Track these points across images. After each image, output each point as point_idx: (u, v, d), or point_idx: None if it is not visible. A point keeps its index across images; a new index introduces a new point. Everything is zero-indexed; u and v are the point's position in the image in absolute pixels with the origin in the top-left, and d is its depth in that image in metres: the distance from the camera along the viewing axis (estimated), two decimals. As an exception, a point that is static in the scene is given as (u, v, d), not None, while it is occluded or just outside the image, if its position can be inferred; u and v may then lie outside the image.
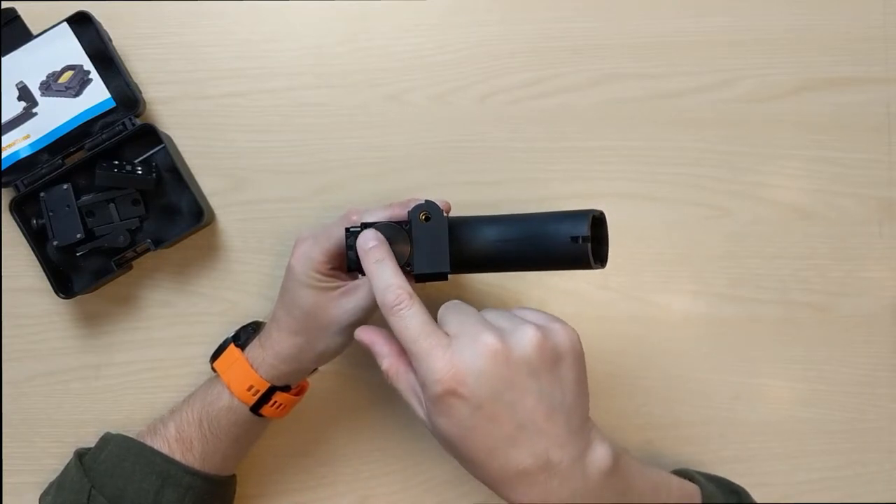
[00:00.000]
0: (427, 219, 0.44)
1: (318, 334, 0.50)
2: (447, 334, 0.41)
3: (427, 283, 0.47)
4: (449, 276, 0.46)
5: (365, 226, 0.45)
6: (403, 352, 0.43)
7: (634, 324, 0.61)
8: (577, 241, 0.44)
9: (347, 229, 0.46)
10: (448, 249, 0.45)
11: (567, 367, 0.41)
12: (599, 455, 0.41)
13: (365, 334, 0.45)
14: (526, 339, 0.40)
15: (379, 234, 0.45)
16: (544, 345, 0.40)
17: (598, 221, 0.46)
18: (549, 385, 0.40)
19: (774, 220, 0.62)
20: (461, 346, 0.39)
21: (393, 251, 0.44)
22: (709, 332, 0.62)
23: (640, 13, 0.62)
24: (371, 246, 0.44)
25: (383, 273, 0.43)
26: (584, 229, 0.44)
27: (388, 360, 0.44)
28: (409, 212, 0.44)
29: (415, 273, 0.44)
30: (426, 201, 0.45)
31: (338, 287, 0.50)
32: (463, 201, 0.61)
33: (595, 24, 0.62)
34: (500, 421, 0.39)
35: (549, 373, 0.40)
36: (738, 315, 0.62)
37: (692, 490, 0.48)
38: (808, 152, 0.62)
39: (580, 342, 0.42)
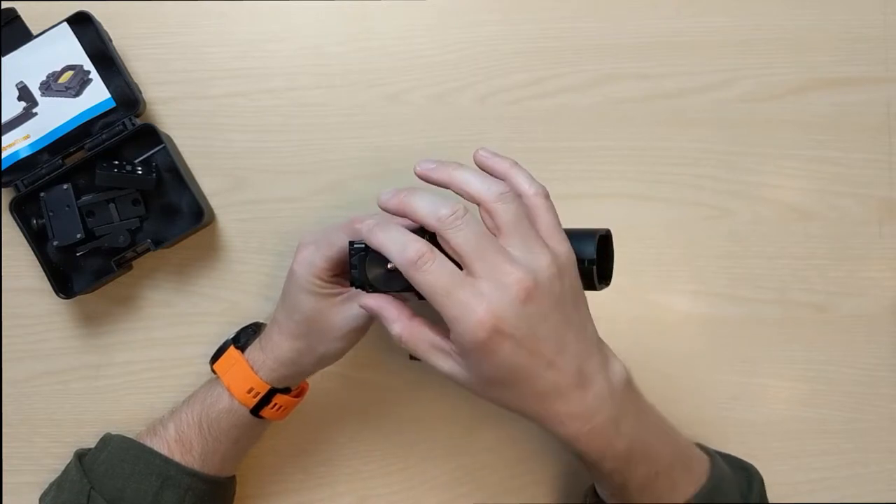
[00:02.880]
0: (432, 238, 0.44)
1: (318, 339, 0.50)
2: (472, 275, 0.40)
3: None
4: None
5: (369, 248, 0.44)
6: (413, 313, 0.43)
7: (634, 324, 0.61)
8: (583, 264, 0.44)
9: (352, 244, 0.45)
10: None
11: (569, 280, 0.42)
12: (618, 366, 0.44)
13: (372, 301, 0.44)
14: (545, 267, 0.40)
15: (374, 218, 0.45)
16: (556, 268, 0.41)
17: (604, 240, 0.46)
18: (568, 305, 0.42)
19: (774, 220, 0.62)
20: (494, 290, 0.39)
21: (396, 271, 0.43)
22: (709, 332, 0.62)
23: (640, 13, 0.62)
24: (372, 224, 0.43)
25: (393, 234, 0.41)
26: (591, 252, 0.44)
27: (399, 323, 0.43)
28: (415, 230, 0.44)
29: (418, 294, 0.44)
30: None
31: (339, 293, 0.50)
32: (463, 201, 0.61)
33: (595, 24, 0.62)
34: (540, 351, 0.40)
35: (565, 293, 0.41)
36: (738, 315, 0.62)
37: (700, 453, 0.49)
38: (808, 152, 0.62)
39: (570, 248, 0.43)
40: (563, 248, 0.42)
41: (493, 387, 0.42)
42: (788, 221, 0.62)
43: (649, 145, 0.62)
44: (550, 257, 0.41)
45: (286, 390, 0.53)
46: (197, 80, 0.62)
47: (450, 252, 0.40)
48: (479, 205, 0.42)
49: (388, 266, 0.43)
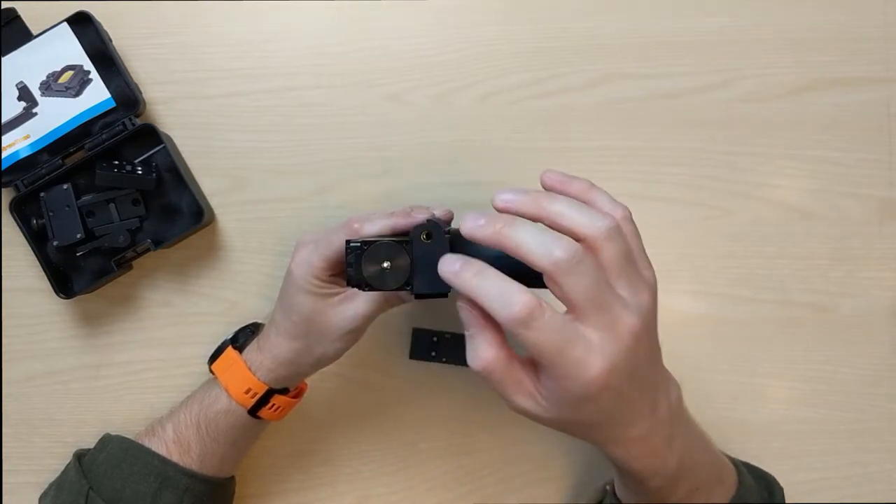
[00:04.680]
0: (429, 237, 0.43)
1: (316, 340, 0.50)
2: (581, 324, 0.36)
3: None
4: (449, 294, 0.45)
5: (366, 243, 0.44)
6: (504, 340, 0.38)
7: (634, 324, 0.61)
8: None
9: (348, 243, 0.45)
10: None
11: (656, 308, 0.40)
12: (674, 386, 0.42)
13: (468, 313, 0.38)
14: (647, 305, 0.38)
15: (458, 257, 0.39)
16: (655, 302, 0.39)
17: None
18: (655, 335, 0.40)
19: (774, 220, 0.62)
20: (605, 342, 0.36)
21: (392, 268, 0.43)
22: (709, 332, 0.62)
23: (640, 13, 0.62)
24: (458, 266, 0.38)
25: (489, 283, 0.36)
26: None
27: (491, 351, 0.38)
28: (411, 230, 0.44)
29: (414, 293, 0.44)
30: (428, 220, 0.44)
31: (337, 293, 0.50)
32: (463, 201, 0.61)
33: (595, 24, 0.62)
34: (636, 395, 0.39)
35: (656, 328, 0.40)
36: (738, 315, 0.62)
37: (729, 464, 0.49)
38: (809, 152, 0.62)
39: (654, 271, 0.41)
40: (652, 274, 0.40)
41: (575, 426, 0.40)
42: (788, 221, 0.62)
43: (649, 145, 0.62)
44: (650, 293, 0.38)
45: (284, 391, 0.53)
46: (197, 80, 0.62)
47: (558, 296, 0.36)
48: (580, 240, 0.37)
49: (384, 265, 0.43)
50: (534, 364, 0.39)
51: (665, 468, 0.42)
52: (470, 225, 0.37)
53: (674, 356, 0.61)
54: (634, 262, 0.39)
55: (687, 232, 0.62)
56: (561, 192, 0.40)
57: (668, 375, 0.43)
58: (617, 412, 0.38)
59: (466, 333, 0.39)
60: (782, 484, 0.52)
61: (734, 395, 0.61)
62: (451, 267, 0.38)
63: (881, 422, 0.61)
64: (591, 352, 0.36)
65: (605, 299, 0.36)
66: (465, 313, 0.38)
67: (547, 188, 0.41)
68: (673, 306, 0.61)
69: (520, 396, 0.39)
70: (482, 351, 0.38)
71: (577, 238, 0.37)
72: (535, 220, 0.38)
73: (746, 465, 0.52)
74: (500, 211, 0.38)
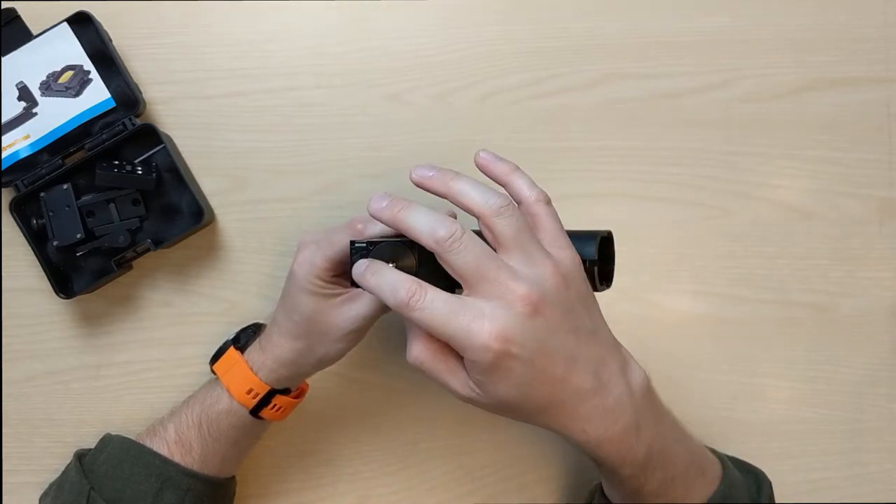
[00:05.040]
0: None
1: (318, 340, 0.50)
2: (471, 297, 0.39)
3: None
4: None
5: (370, 243, 0.44)
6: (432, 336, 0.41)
7: (634, 324, 0.61)
8: (584, 265, 0.43)
9: (353, 244, 0.45)
10: None
11: (576, 286, 0.41)
12: (637, 371, 0.43)
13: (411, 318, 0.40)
14: (549, 277, 0.40)
15: (365, 261, 0.43)
16: (561, 276, 0.40)
17: (605, 241, 0.46)
18: (577, 313, 0.41)
19: (774, 220, 0.62)
20: (496, 308, 0.38)
21: (397, 268, 0.44)
22: (709, 332, 0.62)
23: (640, 13, 0.62)
24: (363, 268, 0.42)
25: (382, 278, 0.41)
26: (592, 253, 0.44)
27: (418, 345, 0.41)
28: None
29: None
30: None
31: (339, 294, 0.50)
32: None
33: (595, 24, 0.62)
34: (552, 366, 0.39)
35: (573, 300, 0.41)
36: (738, 315, 0.62)
37: (713, 457, 0.49)
38: (809, 152, 0.62)
39: (575, 252, 0.42)
40: (567, 254, 0.42)
41: (511, 407, 0.41)
42: (788, 221, 0.62)
43: (649, 145, 0.62)
44: (553, 266, 0.40)
45: (286, 391, 0.53)
46: (197, 80, 0.62)
47: (451, 273, 0.40)
48: (477, 218, 0.41)
49: (389, 264, 0.43)
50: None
51: (632, 455, 0.42)
52: (374, 206, 0.42)
53: (674, 356, 0.61)
54: (531, 239, 0.41)
55: (687, 232, 0.62)
56: (487, 172, 0.45)
57: (628, 358, 0.44)
58: (543, 385, 0.39)
59: (408, 335, 0.42)
60: (782, 484, 0.52)
61: (734, 395, 0.61)
62: (358, 270, 0.42)
63: (881, 422, 0.61)
64: (478, 318, 0.38)
65: (490, 270, 0.39)
66: (410, 319, 0.41)
67: (478, 166, 0.45)
68: (673, 306, 0.62)
69: (455, 383, 0.41)
70: (412, 345, 0.41)
71: (473, 215, 0.41)
72: (441, 195, 0.42)
73: (734, 459, 0.52)
74: (414, 183, 0.43)
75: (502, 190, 0.42)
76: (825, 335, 0.61)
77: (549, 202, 0.43)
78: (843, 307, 0.62)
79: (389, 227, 0.42)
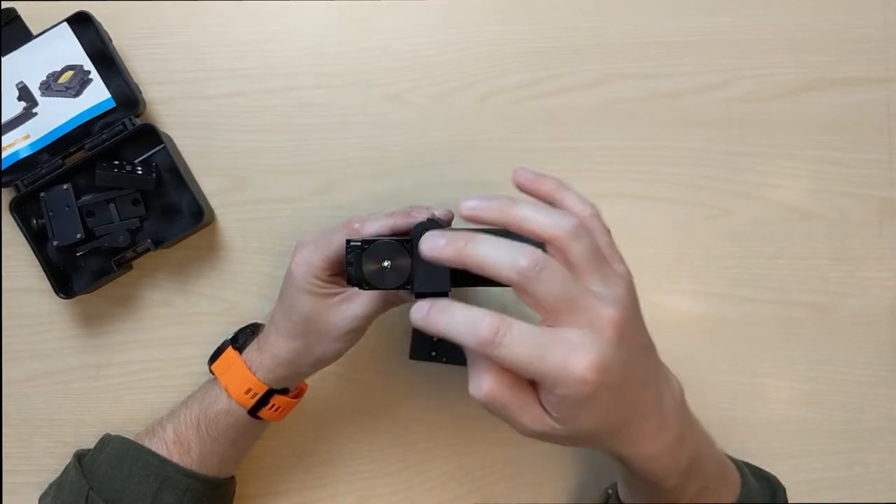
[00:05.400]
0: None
1: (316, 340, 0.50)
2: (557, 327, 0.36)
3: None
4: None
5: (366, 242, 0.44)
6: (503, 367, 0.37)
7: (634, 324, 0.61)
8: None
9: (348, 242, 0.45)
10: (449, 269, 0.44)
11: (637, 300, 0.40)
12: (674, 380, 0.43)
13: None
14: (624, 296, 0.37)
15: (426, 302, 0.38)
16: (632, 294, 0.38)
17: None
18: (642, 330, 0.40)
19: (774, 220, 0.62)
20: (586, 338, 0.35)
21: (392, 267, 0.44)
22: (709, 332, 0.62)
23: (640, 13, 0.62)
24: (426, 310, 0.37)
25: (453, 316, 0.36)
26: None
27: (488, 377, 0.37)
28: (412, 229, 0.44)
29: (415, 292, 0.44)
30: (429, 220, 0.44)
31: (337, 293, 0.50)
32: (463, 201, 0.61)
33: (595, 24, 0.62)
34: (632, 389, 0.38)
35: (639, 318, 0.39)
36: (738, 315, 0.62)
37: (731, 463, 0.48)
38: (808, 152, 0.62)
39: (628, 267, 0.41)
40: (625, 268, 0.40)
41: (587, 436, 0.38)
42: (788, 221, 0.62)
43: (649, 145, 0.62)
44: (626, 285, 0.38)
45: (284, 391, 0.53)
46: (197, 80, 0.62)
47: (530, 304, 0.36)
48: (547, 242, 0.37)
49: (384, 264, 0.43)
50: (535, 384, 0.38)
51: (678, 466, 0.41)
52: (430, 246, 0.37)
53: (674, 356, 0.61)
54: (604, 258, 0.38)
55: (687, 232, 0.62)
56: (531, 191, 0.41)
57: (667, 370, 0.43)
58: (623, 410, 0.38)
59: (471, 369, 0.38)
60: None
61: (734, 395, 0.61)
62: (419, 313, 0.37)
63: (881, 422, 0.61)
64: (574, 350, 0.35)
65: (577, 297, 0.36)
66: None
67: (517, 185, 0.41)
68: (673, 306, 0.61)
69: (529, 419, 0.37)
70: (482, 379, 0.37)
71: (543, 240, 0.37)
72: (501, 226, 0.37)
73: (748, 465, 0.52)
74: (466, 219, 0.38)
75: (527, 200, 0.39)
76: (825, 335, 0.61)
77: (600, 215, 0.41)
78: (843, 307, 0.62)
79: (455, 266, 0.37)
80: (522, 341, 0.35)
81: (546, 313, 0.36)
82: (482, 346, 0.35)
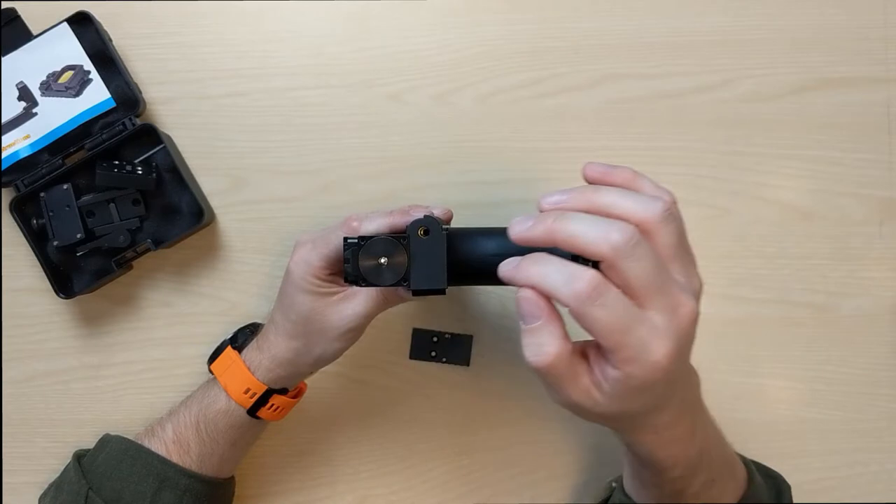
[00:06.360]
0: (426, 233, 0.44)
1: (315, 339, 0.50)
2: (643, 307, 0.35)
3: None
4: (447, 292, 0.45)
5: (363, 239, 0.44)
6: (566, 333, 0.36)
7: (634, 324, 0.61)
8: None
9: (346, 239, 0.45)
10: (446, 266, 0.44)
11: None
12: (693, 369, 0.43)
13: (529, 297, 0.36)
14: (698, 290, 0.37)
15: (516, 258, 0.38)
16: (702, 290, 0.39)
17: None
18: None
19: (774, 220, 0.62)
20: (669, 325, 0.35)
21: (389, 264, 0.44)
22: (709, 332, 0.62)
23: (641, 13, 0.62)
24: (516, 262, 0.37)
25: (549, 266, 0.35)
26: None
27: (555, 343, 0.35)
28: (408, 226, 0.44)
29: (412, 289, 0.44)
30: (425, 216, 0.44)
31: (336, 293, 0.50)
32: (463, 201, 0.61)
33: (595, 24, 0.62)
34: (675, 383, 0.38)
35: None
36: (738, 315, 0.62)
37: (739, 461, 0.48)
38: (809, 152, 0.62)
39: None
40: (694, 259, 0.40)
41: (622, 417, 0.38)
42: (788, 221, 0.62)
43: (649, 145, 0.62)
44: (699, 279, 0.38)
45: (283, 391, 0.53)
46: (197, 80, 0.62)
47: (618, 283, 0.35)
48: (637, 226, 0.35)
49: (381, 261, 0.43)
50: (587, 356, 0.37)
51: (687, 457, 0.41)
52: (519, 229, 0.37)
53: (674, 356, 0.61)
54: (688, 246, 0.38)
55: (687, 232, 0.62)
56: (605, 183, 0.39)
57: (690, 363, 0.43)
58: (662, 399, 0.37)
59: (525, 327, 0.36)
60: (782, 484, 0.52)
61: (734, 395, 0.61)
62: (510, 265, 0.37)
63: (881, 422, 0.61)
64: (656, 335, 0.34)
65: (665, 283, 0.35)
66: (529, 305, 0.36)
67: (589, 180, 0.40)
68: (673, 306, 0.61)
69: (575, 391, 0.37)
70: (548, 345, 0.35)
71: (634, 223, 0.35)
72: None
73: (755, 463, 0.52)
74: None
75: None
76: (825, 335, 0.61)
77: (676, 204, 0.39)
78: (843, 307, 0.62)
79: (544, 244, 0.36)
80: (616, 306, 0.34)
81: (633, 293, 0.35)
82: (576, 300, 0.34)
